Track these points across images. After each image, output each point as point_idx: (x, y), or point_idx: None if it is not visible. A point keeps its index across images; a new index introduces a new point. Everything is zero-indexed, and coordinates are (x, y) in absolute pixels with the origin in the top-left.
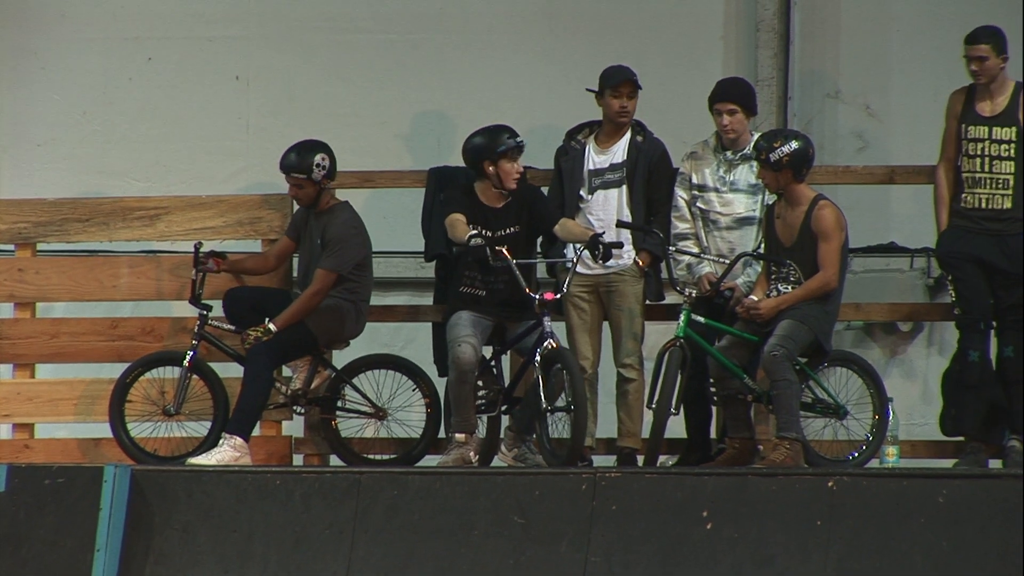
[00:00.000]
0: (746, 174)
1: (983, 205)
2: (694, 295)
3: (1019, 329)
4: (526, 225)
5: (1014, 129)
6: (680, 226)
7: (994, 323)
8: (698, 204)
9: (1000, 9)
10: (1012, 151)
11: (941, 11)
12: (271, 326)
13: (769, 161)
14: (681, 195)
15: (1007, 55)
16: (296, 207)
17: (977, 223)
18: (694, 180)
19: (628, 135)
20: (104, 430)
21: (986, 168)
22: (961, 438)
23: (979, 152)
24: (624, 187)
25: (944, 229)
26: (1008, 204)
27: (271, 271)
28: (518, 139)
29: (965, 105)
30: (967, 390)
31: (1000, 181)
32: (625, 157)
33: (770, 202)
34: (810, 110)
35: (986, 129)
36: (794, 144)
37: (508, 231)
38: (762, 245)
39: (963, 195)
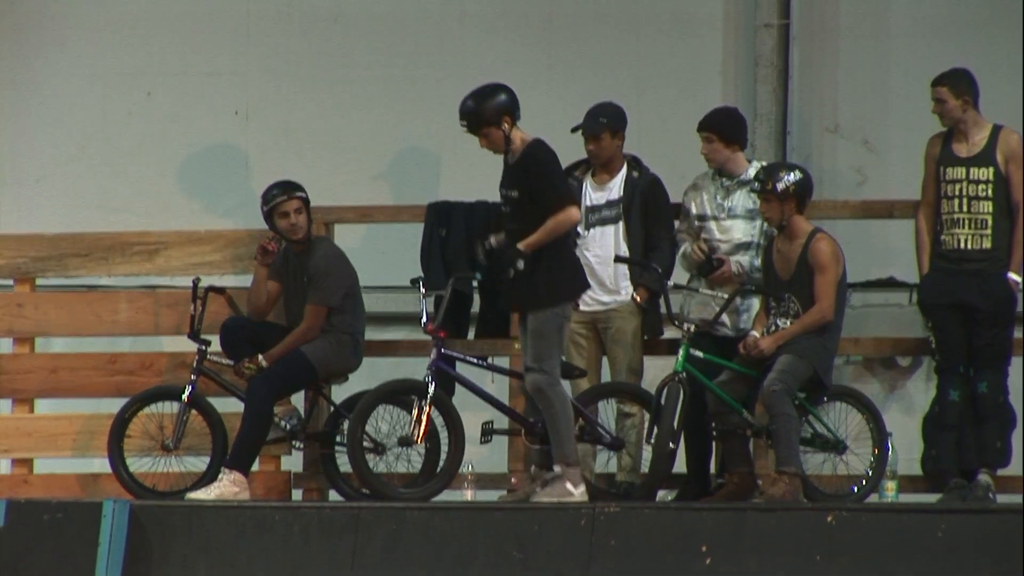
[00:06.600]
0: (743, 199)
1: (963, 245)
2: (692, 329)
3: (994, 367)
4: None
5: (991, 169)
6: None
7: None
8: (701, 235)
9: (997, 44)
10: (990, 191)
11: (939, 46)
12: (263, 362)
13: (776, 191)
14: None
15: (968, 97)
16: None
17: (957, 264)
18: (694, 211)
19: (624, 171)
20: (103, 465)
21: (965, 208)
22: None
23: (957, 193)
24: (621, 223)
25: (926, 273)
26: (988, 244)
27: (264, 310)
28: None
29: (943, 147)
30: (947, 430)
31: (979, 221)
32: (622, 193)
33: (767, 229)
34: (809, 145)
35: (963, 170)
36: (798, 174)
37: None
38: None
39: (943, 236)
